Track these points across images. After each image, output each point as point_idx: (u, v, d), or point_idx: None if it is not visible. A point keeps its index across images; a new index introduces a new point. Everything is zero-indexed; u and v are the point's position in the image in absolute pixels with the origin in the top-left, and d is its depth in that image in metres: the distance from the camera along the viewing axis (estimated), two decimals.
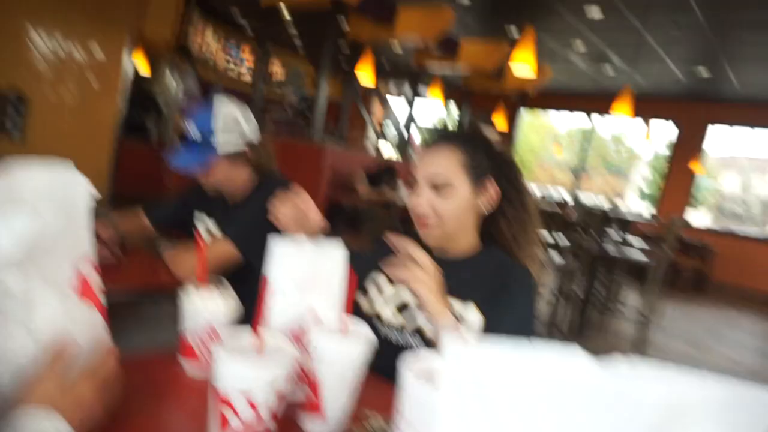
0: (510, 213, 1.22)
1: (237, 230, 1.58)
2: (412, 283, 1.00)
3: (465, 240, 1.21)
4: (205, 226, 1.78)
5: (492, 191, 1.18)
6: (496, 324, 1.09)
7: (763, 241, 8.11)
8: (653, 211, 8.67)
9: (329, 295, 0.97)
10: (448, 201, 1.14)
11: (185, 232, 1.85)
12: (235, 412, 0.66)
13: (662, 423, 0.33)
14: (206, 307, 0.93)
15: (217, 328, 0.94)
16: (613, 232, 4.88)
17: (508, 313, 1.10)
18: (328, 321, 0.89)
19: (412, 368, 0.63)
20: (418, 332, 1.15)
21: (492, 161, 1.18)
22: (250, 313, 0.76)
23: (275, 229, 1.58)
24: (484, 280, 1.16)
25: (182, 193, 1.89)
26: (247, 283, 1.24)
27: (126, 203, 1.95)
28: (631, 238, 5.33)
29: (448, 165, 1.14)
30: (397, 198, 4.55)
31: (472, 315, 1.11)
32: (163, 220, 1.84)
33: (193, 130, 1.59)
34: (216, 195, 1.76)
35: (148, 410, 0.81)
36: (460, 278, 1.11)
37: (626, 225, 4.91)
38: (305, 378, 0.81)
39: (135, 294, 1.57)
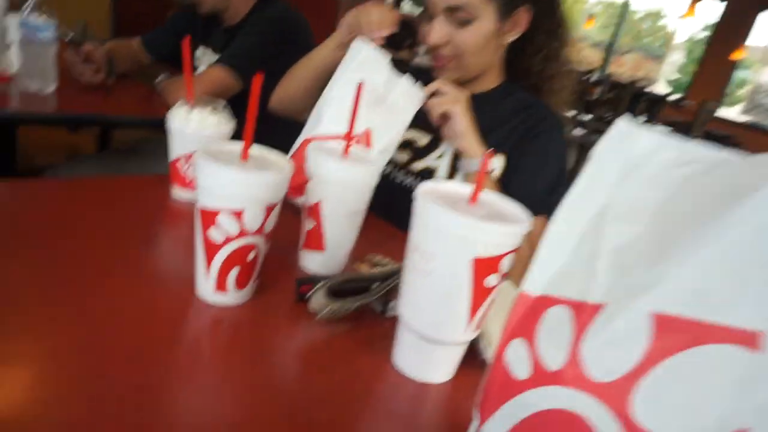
0: (545, 45, 1.04)
1: (233, 55, 1.44)
2: (447, 104, 0.90)
3: (487, 78, 1.06)
4: (201, 53, 1.62)
5: (523, 21, 0.99)
6: (523, 177, 0.98)
7: None
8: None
9: (388, 129, 0.89)
10: (468, 33, 0.96)
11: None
12: (219, 229, 0.56)
13: None
14: (195, 125, 0.82)
15: None
16: (640, 114, 4.64)
17: (537, 166, 0.99)
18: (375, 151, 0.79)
19: (429, 193, 0.52)
20: (427, 172, 1.05)
21: None
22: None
23: (275, 54, 1.44)
24: (504, 119, 1.03)
25: (174, 16, 1.70)
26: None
27: None
28: (658, 126, 5.10)
29: None
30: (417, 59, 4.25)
31: (495, 161, 1.00)
32: (158, 49, 1.69)
33: None
34: (211, 18, 1.58)
35: (136, 235, 0.73)
36: (479, 115, 0.98)
37: (655, 106, 4.64)
38: (305, 208, 0.72)
39: (130, 123, 1.47)
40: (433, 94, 0.93)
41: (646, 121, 4.83)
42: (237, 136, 0.81)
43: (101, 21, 4.82)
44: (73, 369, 0.46)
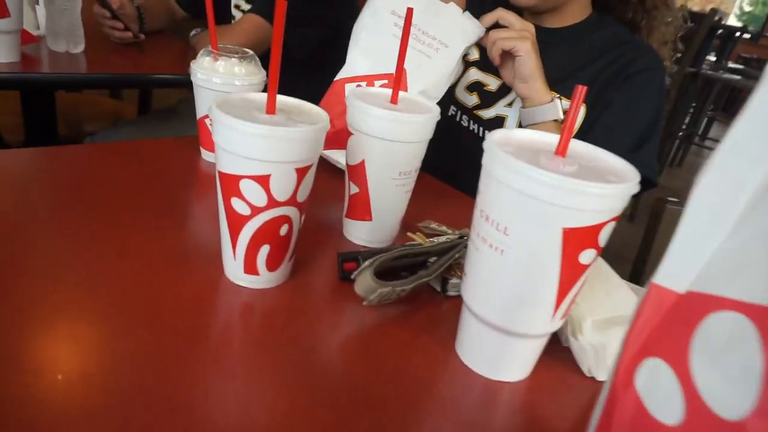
0: None
1: (266, 2, 1.31)
2: (512, 40, 0.75)
3: (570, 9, 0.89)
4: (235, 2, 1.51)
5: None
6: (608, 125, 0.83)
7: None
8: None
9: (429, 69, 0.75)
10: None
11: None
12: (243, 198, 0.46)
13: None
14: (220, 77, 0.72)
15: None
16: (711, 53, 4.22)
17: (628, 113, 0.83)
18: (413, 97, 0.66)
19: (502, 143, 0.40)
20: (495, 122, 0.91)
21: None
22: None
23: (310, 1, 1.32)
24: (591, 58, 0.87)
25: None
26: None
27: None
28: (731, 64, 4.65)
29: None
30: None
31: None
32: (188, 2, 1.58)
33: None
34: None
35: (161, 205, 0.65)
36: (559, 53, 0.83)
37: (728, 42, 4.20)
38: (348, 169, 0.61)
39: (166, 83, 1.39)
40: (492, 27, 0.78)
41: (717, 60, 4.39)
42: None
43: None
44: (83, 363, 0.38)
